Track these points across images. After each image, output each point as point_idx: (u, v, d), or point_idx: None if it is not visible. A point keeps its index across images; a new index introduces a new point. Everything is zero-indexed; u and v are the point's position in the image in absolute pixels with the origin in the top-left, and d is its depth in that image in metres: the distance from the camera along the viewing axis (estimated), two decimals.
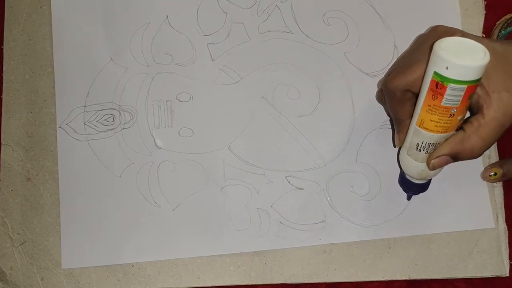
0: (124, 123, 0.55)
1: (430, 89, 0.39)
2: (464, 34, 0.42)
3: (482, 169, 0.52)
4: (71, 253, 0.53)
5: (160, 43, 0.56)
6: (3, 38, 0.58)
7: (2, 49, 0.57)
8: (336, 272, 0.52)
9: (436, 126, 0.41)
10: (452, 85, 0.37)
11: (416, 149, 0.44)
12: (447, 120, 0.40)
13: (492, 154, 0.52)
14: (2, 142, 0.56)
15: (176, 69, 0.55)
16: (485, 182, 0.52)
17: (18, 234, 0.54)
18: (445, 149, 0.43)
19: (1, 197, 0.55)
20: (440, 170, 0.46)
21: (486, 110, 0.41)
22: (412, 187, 0.49)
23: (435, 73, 0.38)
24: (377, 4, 0.55)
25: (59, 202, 0.54)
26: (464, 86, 0.37)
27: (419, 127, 0.42)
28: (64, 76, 0.56)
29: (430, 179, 0.49)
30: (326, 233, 0.52)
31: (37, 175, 0.55)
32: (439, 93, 0.38)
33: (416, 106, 0.42)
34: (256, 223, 0.52)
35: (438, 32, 0.44)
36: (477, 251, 0.51)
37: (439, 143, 0.43)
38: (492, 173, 0.51)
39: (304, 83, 0.54)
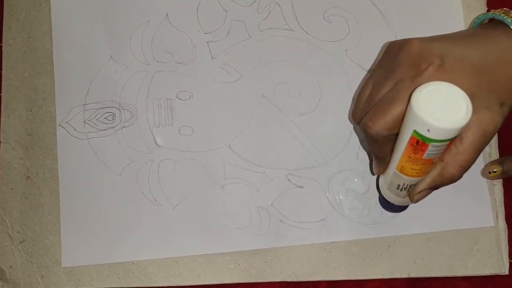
0: (124, 122, 0.55)
1: (410, 144, 0.37)
2: (442, 51, 0.39)
3: (482, 167, 0.52)
4: (71, 251, 0.53)
5: (160, 41, 0.55)
6: (2, 36, 0.57)
7: (1, 46, 0.57)
8: (336, 270, 0.52)
9: (417, 172, 0.40)
10: (434, 143, 0.35)
11: (398, 189, 0.43)
12: (429, 166, 0.39)
13: (492, 152, 0.52)
14: (2, 140, 0.56)
15: (176, 67, 0.55)
16: (485, 180, 0.52)
17: (18, 232, 0.54)
18: (425, 184, 0.42)
19: (1, 196, 0.55)
20: None
21: (465, 134, 0.39)
22: (395, 209, 0.51)
23: (415, 132, 0.36)
24: (378, 1, 0.55)
25: (59, 201, 0.54)
26: (446, 143, 0.36)
27: (400, 172, 0.41)
28: (64, 74, 0.56)
29: None
30: (326, 231, 0.52)
31: (36, 173, 0.55)
32: (420, 149, 0.37)
33: (396, 149, 0.41)
34: (256, 221, 0.52)
35: (413, 56, 0.40)
36: (477, 250, 0.51)
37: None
38: (492, 170, 0.51)
39: (305, 81, 0.54)
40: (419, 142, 0.36)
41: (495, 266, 0.51)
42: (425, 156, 0.37)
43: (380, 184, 0.48)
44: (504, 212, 0.52)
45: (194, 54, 0.55)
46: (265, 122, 0.54)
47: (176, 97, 0.55)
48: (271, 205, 0.53)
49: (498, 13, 0.44)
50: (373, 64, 0.54)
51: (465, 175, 0.52)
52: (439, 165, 0.40)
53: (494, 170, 0.51)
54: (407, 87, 0.39)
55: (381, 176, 0.47)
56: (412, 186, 0.42)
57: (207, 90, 0.55)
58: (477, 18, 0.49)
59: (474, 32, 0.44)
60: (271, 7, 0.55)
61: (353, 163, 0.53)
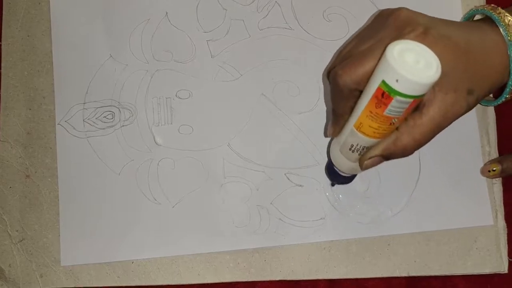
0: (124, 120, 0.55)
1: (375, 96, 0.37)
2: (429, 23, 0.40)
3: (482, 166, 0.52)
4: (71, 250, 0.53)
5: (159, 40, 0.55)
6: (2, 34, 0.57)
7: (1, 45, 0.57)
8: (335, 269, 0.52)
9: (374, 132, 0.40)
10: (398, 97, 0.35)
11: (350, 150, 0.43)
12: (386, 127, 0.39)
13: (491, 151, 0.53)
14: (1, 139, 0.56)
15: (175, 66, 0.55)
16: (485, 179, 0.52)
17: (17, 231, 0.54)
18: (378, 150, 0.41)
19: (0, 194, 0.55)
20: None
21: (426, 110, 0.39)
22: (339, 179, 0.50)
23: (383, 82, 0.36)
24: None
25: (58, 199, 0.54)
26: (410, 100, 0.36)
27: (357, 130, 0.40)
28: (63, 73, 0.56)
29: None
30: (326, 230, 0.52)
31: (36, 172, 0.55)
32: (383, 102, 0.36)
33: (357, 105, 0.40)
34: (256, 220, 0.52)
35: (400, 20, 0.40)
36: (476, 248, 0.51)
37: (372, 146, 0.42)
38: (491, 169, 0.51)
39: (304, 80, 0.54)
40: (384, 95, 0.36)
41: (494, 265, 0.51)
42: (386, 112, 0.37)
43: (331, 148, 0.47)
44: (503, 211, 0.52)
45: (193, 53, 0.55)
46: (264, 121, 0.54)
47: (176, 96, 0.55)
48: (271, 204, 0.53)
49: (486, 9, 0.45)
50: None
51: (464, 174, 0.52)
52: (394, 134, 0.40)
53: (494, 169, 0.51)
54: (385, 45, 0.38)
55: (334, 139, 0.46)
56: (365, 149, 0.42)
57: (206, 89, 0.55)
58: (467, 13, 0.50)
59: (464, 22, 0.46)
60: (270, 6, 0.55)
61: None
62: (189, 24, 0.56)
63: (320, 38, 0.55)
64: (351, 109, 0.42)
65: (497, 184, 0.52)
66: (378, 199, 0.52)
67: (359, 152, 0.43)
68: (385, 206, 0.52)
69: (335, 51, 0.54)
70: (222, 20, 0.55)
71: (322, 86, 0.54)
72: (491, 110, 0.53)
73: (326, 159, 0.53)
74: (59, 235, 0.54)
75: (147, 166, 0.54)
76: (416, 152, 0.52)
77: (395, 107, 0.36)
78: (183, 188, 0.53)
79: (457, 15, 0.54)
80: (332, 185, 0.52)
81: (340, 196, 0.52)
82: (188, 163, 0.54)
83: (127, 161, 0.54)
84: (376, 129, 0.39)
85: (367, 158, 0.42)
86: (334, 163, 0.47)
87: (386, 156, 0.42)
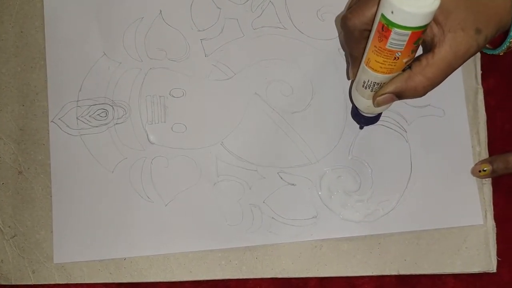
0: (117, 118, 0.55)
1: (377, 30, 0.39)
2: None
3: (472, 166, 0.53)
4: (63, 248, 0.53)
5: (153, 38, 0.55)
6: None
7: None
8: (326, 267, 0.52)
9: (380, 67, 0.41)
10: (396, 29, 0.37)
11: (363, 86, 0.45)
12: (392, 62, 0.40)
13: (482, 151, 0.53)
14: None
15: (169, 65, 0.55)
16: (475, 179, 0.52)
17: (9, 227, 0.54)
18: (390, 88, 0.43)
19: None
20: (388, 107, 0.47)
21: (437, 49, 0.41)
22: (362, 119, 0.51)
23: (382, 15, 0.37)
24: None
25: (50, 196, 0.54)
26: (408, 32, 0.37)
27: (366, 65, 0.42)
28: (57, 70, 0.56)
29: (380, 113, 0.50)
30: (317, 228, 0.52)
31: (28, 169, 0.55)
32: (384, 35, 0.38)
33: (367, 46, 0.42)
34: (249, 218, 0.53)
35: None
36: (466, 248, 0.52)
37: (384, 83, 0.43)
38: (482, 169, 0.51)
39: (298, 79, 0.54)
40: (384, 28, 0.37)
41: (483, 264, 0.52)
42: (388, 45, 0.38)
43: (352, 91, 0.48)
44: (492, 211, 0.52)
45: (187, 51, 0.55)
46: (257, 120, 0.54)
47: (169, 94, 0.55)
48: (263, 202, 0.53)
49: None
50: None
51: (455, 174, 0.52)
52: (407, 73, 0.42)
53: (484, 169, 0.51)
54: None
55: (354, 82, 0.47)
56: (376, 85, 0.43)
57: (200, 87, 0.55)
58: None
59: None
60: (264, 5, 0.55)
61: (345, 161, 0.53)
62: (183, 23, 0.55)
63: (314, 37, 0.55)
64: (364, 50, 0.43)
65: (487, 184, 0.53)
66: (370, 199, 0.53)
67: (370, 88, 0.44)
68: (376, 205, 0.53)
69: (328, 50, 0.55)
70: (216, 19, 0.55)
71: (315, 86, 0.54)
72: (482, 110, 0.54)
73: (318, 158, 0.53)
74: (52, 232, 0.54)
75: (141, 164, 0.54)
76: (407, 152, 0.53)
77: (395, 39, 0.38)
78: (176, 186, 0.53)
79: None
80: (361, 128, 0.53)
81: (332, 195, 0.53)
82: (182, 162, 0.54)
83: (121, 159, 0.54)
84: (382, 63, 0.41)
85: (379, 95, 0.44)
86: (354, 103, 0.49)
87: (398, 94, 0.43)
